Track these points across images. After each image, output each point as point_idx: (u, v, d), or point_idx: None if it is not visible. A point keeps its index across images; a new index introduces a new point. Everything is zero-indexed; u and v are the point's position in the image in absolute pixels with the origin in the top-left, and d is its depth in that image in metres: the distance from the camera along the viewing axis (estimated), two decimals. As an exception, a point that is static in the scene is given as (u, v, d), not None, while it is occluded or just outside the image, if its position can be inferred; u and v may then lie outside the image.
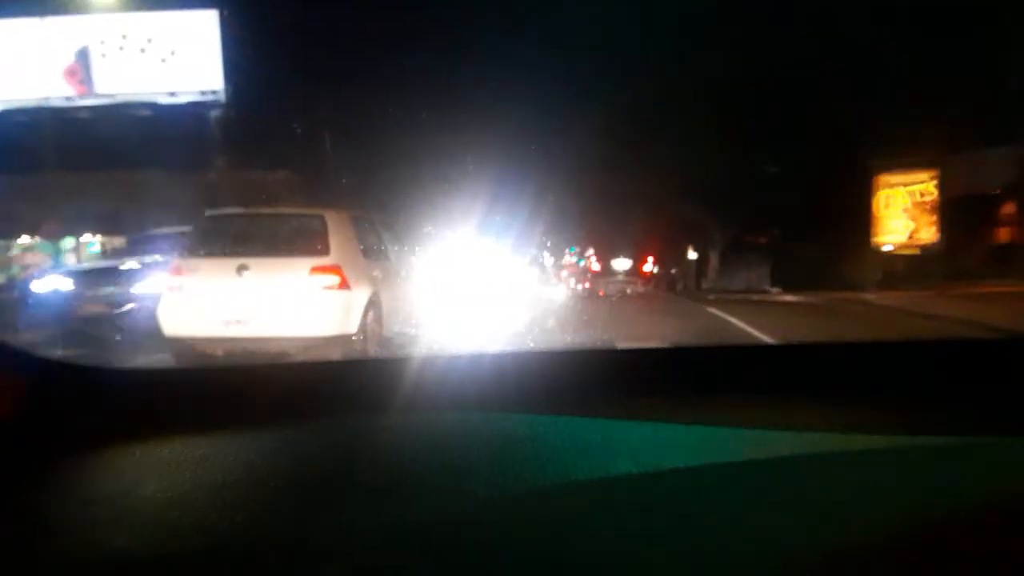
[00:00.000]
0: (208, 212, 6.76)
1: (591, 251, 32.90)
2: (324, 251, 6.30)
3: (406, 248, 8.38)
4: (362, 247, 6.97)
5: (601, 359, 1.73)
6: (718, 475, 0.98)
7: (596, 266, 29.16)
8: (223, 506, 0.91)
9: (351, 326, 6.24)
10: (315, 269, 6.20)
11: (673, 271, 35.26)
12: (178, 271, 6.26)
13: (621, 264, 27.95)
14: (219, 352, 6.09)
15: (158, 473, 1.02)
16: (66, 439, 1.06)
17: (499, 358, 1.65)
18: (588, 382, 1.36)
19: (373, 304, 6.58)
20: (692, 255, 31.67)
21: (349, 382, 1.40)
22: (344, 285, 6.24)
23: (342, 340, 6.15)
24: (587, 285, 25.55)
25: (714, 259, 30.45)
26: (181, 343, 6.12)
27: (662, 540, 0.80)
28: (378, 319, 6.69)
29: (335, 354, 6.06)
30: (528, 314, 11.04)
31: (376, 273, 6.95)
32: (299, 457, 1.07)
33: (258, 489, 0.97)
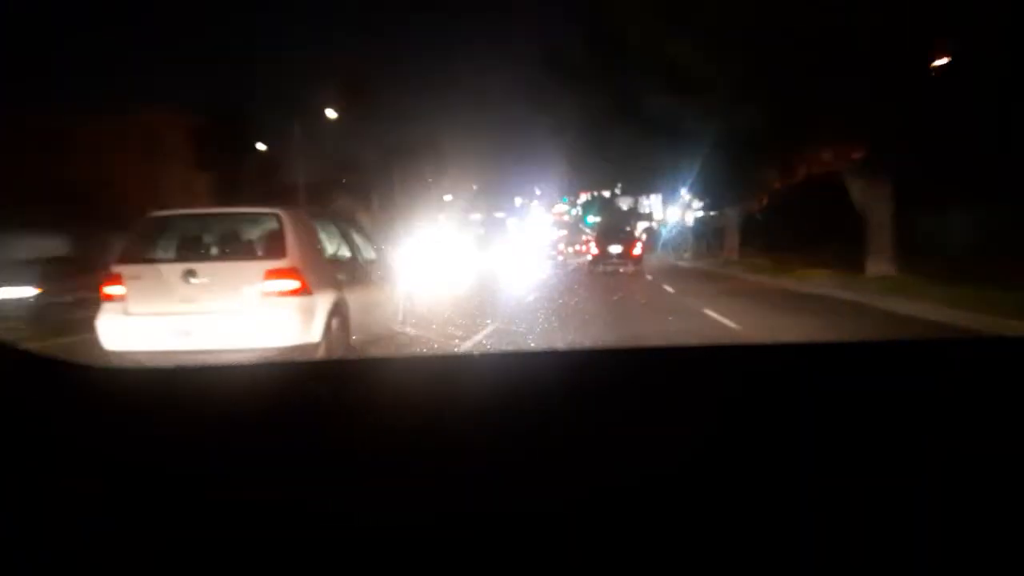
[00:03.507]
0: (149, 213, 6.12)
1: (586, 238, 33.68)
2: (280, 253, 5.71)
3: (377, 246, 7.77)
4: (325, 248, 6.38)
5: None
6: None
7: (594, 250, 29.77)
8: (198, 511, 0.91)
9: (313, 334, 5.66)
10: (270, 273, 5.60)
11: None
12: (117, 279, 5.63)
13: (614, 248, 28.93)
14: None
15: (132, 477, 0.98)
16: (37, 439, 1.02)
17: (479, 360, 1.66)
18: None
19: (338, 309, 6.00)
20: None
21: (327, 383, 1.37)
22: (304, 290, 5.65)
23: (303, 350, 5.56)
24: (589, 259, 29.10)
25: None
26: (123, 359, 5.52)
27: None
28: (344, 325, 6.11)
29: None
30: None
31: (341, 276, 6.36)
32: (277, 458, 1.03)
33: (238, 491, 0.95)
